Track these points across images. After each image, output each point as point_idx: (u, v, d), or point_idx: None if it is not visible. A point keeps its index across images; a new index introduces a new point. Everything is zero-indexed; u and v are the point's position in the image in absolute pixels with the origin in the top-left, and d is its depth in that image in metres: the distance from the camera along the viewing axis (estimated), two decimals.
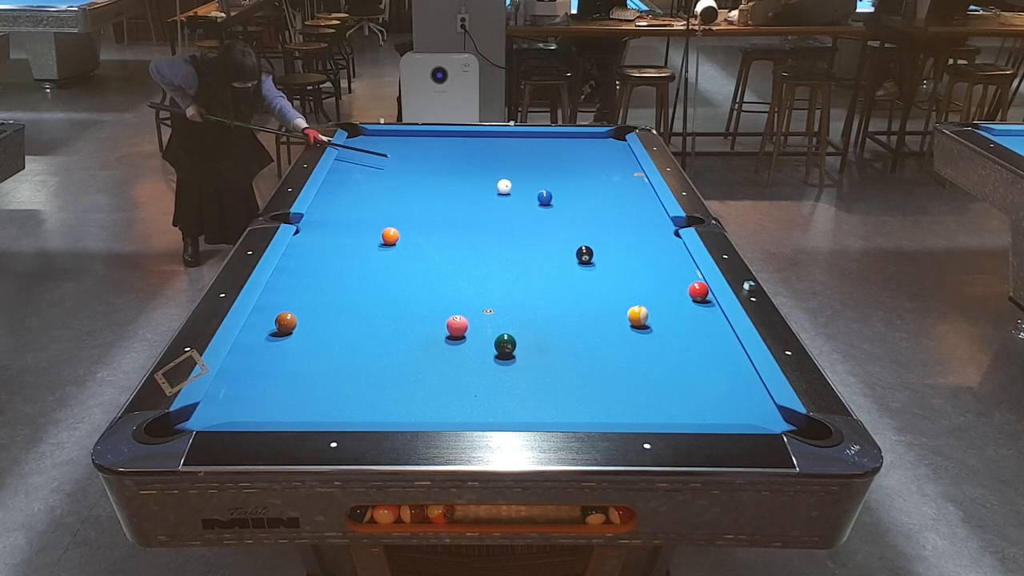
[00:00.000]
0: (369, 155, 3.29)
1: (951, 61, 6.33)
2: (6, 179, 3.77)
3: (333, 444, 1.51)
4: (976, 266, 4.64)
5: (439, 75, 5.20)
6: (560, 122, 5.80)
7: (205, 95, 3.95)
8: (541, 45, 6.63)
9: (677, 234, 2.61)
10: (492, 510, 1.56)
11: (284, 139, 5.75)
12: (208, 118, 3.97)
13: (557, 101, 5.77)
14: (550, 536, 1.59)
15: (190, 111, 3.97)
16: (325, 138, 3.43)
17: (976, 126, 3.91)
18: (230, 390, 1.75)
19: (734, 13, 5.83)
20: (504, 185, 2.95)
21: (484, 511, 1.56)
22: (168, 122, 5.96)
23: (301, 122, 3.77)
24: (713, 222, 2.62)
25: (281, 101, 3.95)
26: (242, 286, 2.14)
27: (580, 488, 1.50)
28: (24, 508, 2.73)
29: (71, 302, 4.06)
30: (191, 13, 6.09)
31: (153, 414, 1.59)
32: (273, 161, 4.65)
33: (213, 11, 6.29)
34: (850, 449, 1.52)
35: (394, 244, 2.51)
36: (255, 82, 3.87)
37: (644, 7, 6.50)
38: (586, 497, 1.51)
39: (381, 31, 10.65)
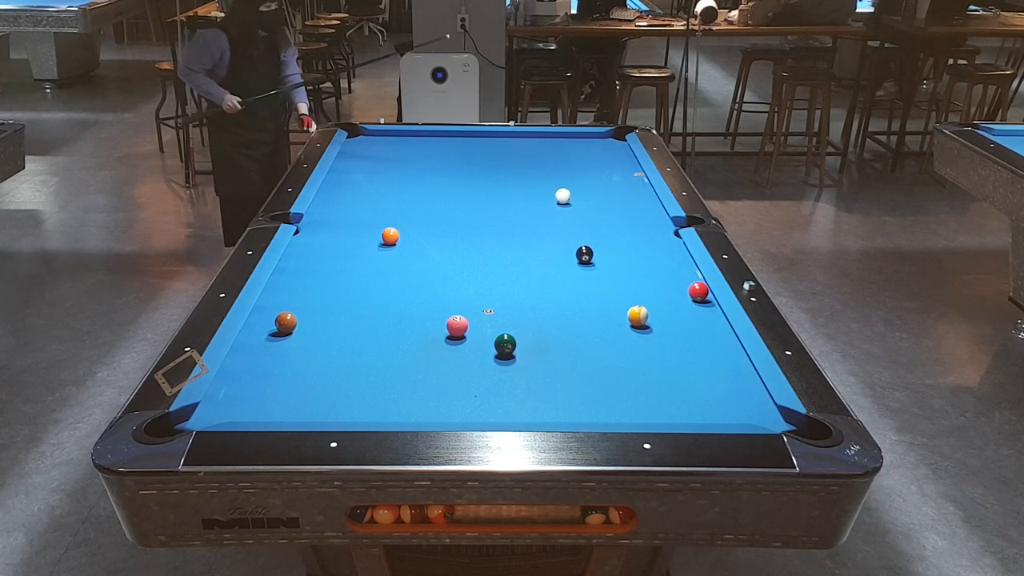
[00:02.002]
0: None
1: (951, 61, 6.33)
2: (6, 179, 3.77)
3: (333, 444, 1.51)
4: (976, 266, 4.64)
5: (439, 75, 5.20)
6: (560, 122, 5.80)
7: (237, 43, 3.89)
8: (541, 45, 6.64)
9: (677, 234, 2.61)
10: (492, 510, 1.56)
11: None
12: (247, 101, 3.93)
13: (557, 101, 5.77)
14: (550, 536, 1.59)
15: (227, 103, 3.91)
16: (314, 128, 3.60)
17: (976, 126, 3.91)
18: (230, 390, 1.75)
19: (734, 13, 5.83)
20: (563, 195, 2.86)
21: (484, 511, 1.56)
22: (169, 122, 5.98)
23: (304, 107, 3.92)
24: (713, 222, 2.62)
25: (297, 78, 4.09)
26: (242, 286, 2.13)
27: (580, 488, 1.50)
28: (24, 508, 2.73)
29: (71, 302, 4.06)
30: (191, 13, 6.09)
31: (153, 414, 1.59)
32: None
33: (213, 11, 6.29)
34: (850, 449, 1.52)
35: (394, 244, 2.51)
36: (279, 5, 3.93)
37: (644, 7, 6.50)
38: (586, 497, 1.51)
39: (381, 31, 10.65)
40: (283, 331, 1.98)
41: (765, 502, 1.50)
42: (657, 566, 2.05)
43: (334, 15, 8.81)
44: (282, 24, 4.08)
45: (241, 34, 3.90)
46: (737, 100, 6.58)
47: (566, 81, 5.66)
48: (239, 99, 3.90)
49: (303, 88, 4.08)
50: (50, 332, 3.78)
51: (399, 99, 5.99)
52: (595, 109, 6.83)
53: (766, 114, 6.03)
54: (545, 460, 1.49)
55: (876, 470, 1.50)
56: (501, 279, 2.30)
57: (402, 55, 5.38)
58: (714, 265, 2.33)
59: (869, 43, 6.15)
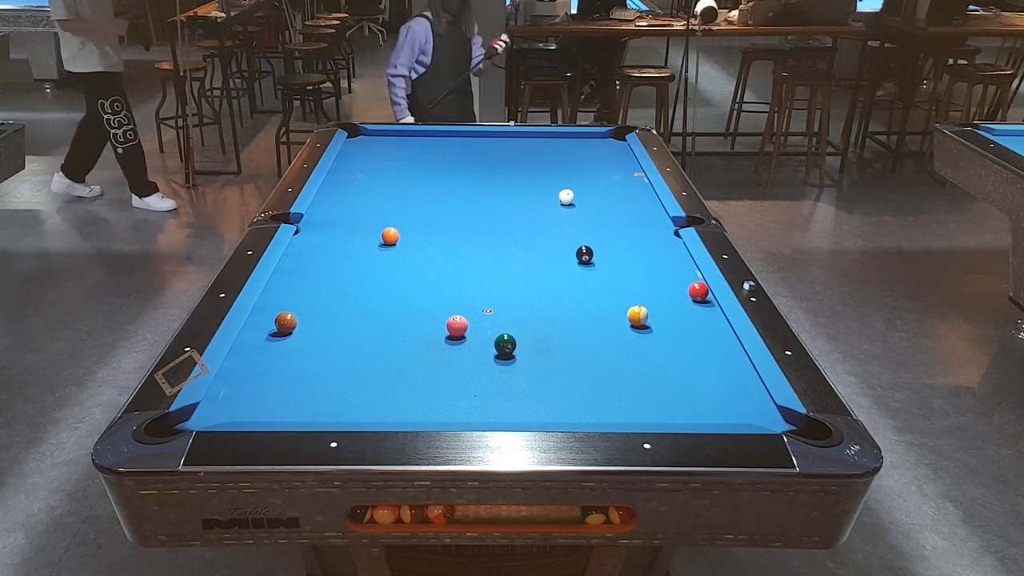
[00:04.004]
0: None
1: (951, 61, 6.33)
2: (6, 179, 3.77)
3: (333, 444, 1.51)
4: (976, 266, 4.64)
5: None
6: (560, 122, 5.80)
7: (437, 28, 4.20)
8: (541, 45, 6.64)
9: (677, 234, 2.61)
10: (492, 510, 1.55)
11: (284, 139, 5.76)
12: (431, 105, 4.27)
13: (557, 101, 5.77)
14: (550, 536, 1.59)
15: (401, 122, 4.21)
16: (504, 38, 4.19)
17: (976, 126, 3.91)
18: (230, 390, 1.75)
19: (734, 13, 5.83)
20: (567, 195, 2.85)
21: (484, 511, 1.56)
22: (169, 122, 5.98)
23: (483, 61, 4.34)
24: (713, 222, 2.62)
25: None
26: (242, 286, 2.13)
27: (580, 488, 1.50)
28: (24, 508, 2.73)
29: (71, 302, 4.06)
30: (191, 13, 6.09)
31: (153, 414, 1.59)
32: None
33: (213, 11, 6.29)
34: (850, 449, 1.52)
35: (394, 244, 2.51)
36: None
37: (644, 7, 6.51)
38: (586, 497, 1.51)
39: (381, 31, 10.66)
40: (283, 331, 1.98)
41: (765, 502, 1.50)
42: (657, 566, 2.05)
43: (334, 15, 8.82)
44: (469, 8, 4.30)
45: (440, 20, 4.19)
46: (737, 100, 6.59)
47: (566, 81, 5.66)
48: (413, 120, 4.26)
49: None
50: (50, 332, 3.79)
51: None
52: (595, 109, 6.83)
53: (766, 114, 6.04)
54: (545, 460, 1.49)
55: (876, 470, 1.50)
56: (501, 279, 2.30)
57: None
58: (714, 265, 2.32)
59: (869, 43, 6.15)
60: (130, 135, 5.11)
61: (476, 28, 4.41)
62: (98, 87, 4.96)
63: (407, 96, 4.35)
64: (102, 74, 4.93)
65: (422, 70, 4.32)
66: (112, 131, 5.04)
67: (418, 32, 4.23)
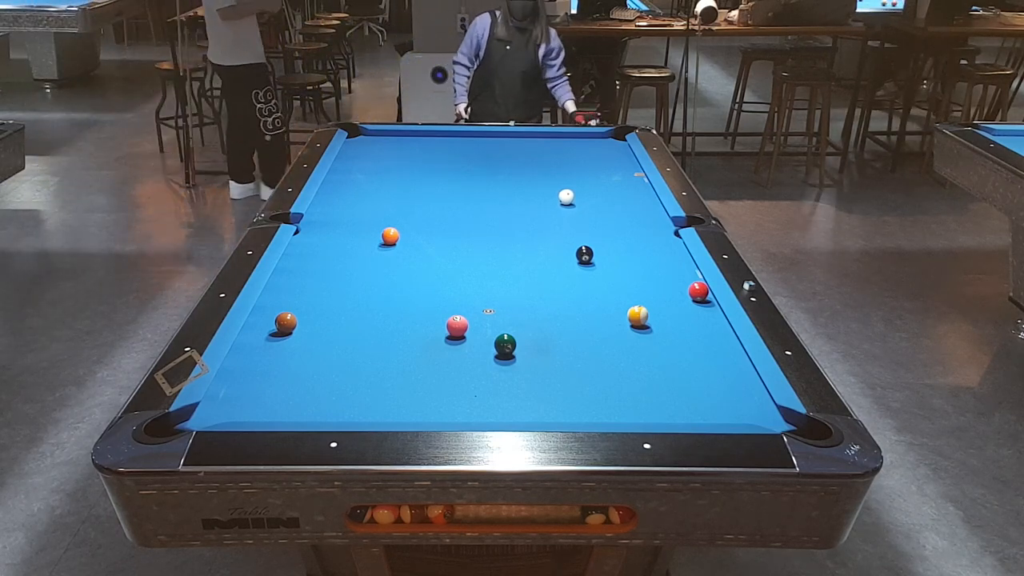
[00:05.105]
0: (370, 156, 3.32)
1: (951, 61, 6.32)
2: (6, 179, 3.77)
3: (333, 444, 1.51)
4: (976, 266, 4.64)
5: (439, 75, 5.20)
6: (560, 122, 5.80)
7: (496, 28, 4.13)
8: None
9: (677, 234, 2.61)
10: (492, 510, 1.56)
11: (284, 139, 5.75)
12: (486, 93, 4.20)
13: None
14: (550, 536, 1.59)
15: (456, 111, 4.16)
16: (594, 122, 3.82)
17: (976, 126, 3.91)
18: (230, 390, 1.75)
19: (734, 13, 5.83)
20: (567, 195, 2.86)
21: (484, 511, 1.56)
22: (169, 122, 5.98)
23: (571, 104, 4.16)
24: (713, 222, 2.62)
25: (561, 82, 4.26)
26: (242, 286, 2.13)
27: (580, 488, 1.50)
28: (24, 508, 2.73)
29: (71, 302, 4.06)
30: (191, 13, 6.09)
31: (153, 414, 1.59)
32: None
33: None
34: (850, 449, 1.52)
35: (394, 244, 2.51)
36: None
37: (644, 7, 6.50)
38: (586, 497, 1.51)
39: (381, 31, 10.66)
40: (283, 331, 1.98)
41: (765, 502, 1.50)
42: (657, 566, 2.05)
43: (334, 15, 8.82)
44: (540, 17, 4.15)
45: (505, 24, 4.10)
46: (737, 100, 6.58)
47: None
48: (467, 109, 4.19)
49: (567, 84, 4.27)
50: (50, 332, 3.79)
51: (399, 99, 5.99)
52: (595, 109, 6.82)
53: (766, 114, 6.03)
54: (545, 460, 1.49)
55: (876, 470, 1.50)
56: (501, 279, 2.30)
57: (402, 55, 5.38)
58: (714, 265, 2.32)
59: (869, 43, 6.15)
60: (278, 123, 5.18)
61: (552, 34, 4.24)
62: (252, 78, 5.01)
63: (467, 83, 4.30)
64: (256, 65, 4.99)
65: (477, 64, 4.29)
66: (263, 119, 5.09)
67: (476, 26, 4.20)
